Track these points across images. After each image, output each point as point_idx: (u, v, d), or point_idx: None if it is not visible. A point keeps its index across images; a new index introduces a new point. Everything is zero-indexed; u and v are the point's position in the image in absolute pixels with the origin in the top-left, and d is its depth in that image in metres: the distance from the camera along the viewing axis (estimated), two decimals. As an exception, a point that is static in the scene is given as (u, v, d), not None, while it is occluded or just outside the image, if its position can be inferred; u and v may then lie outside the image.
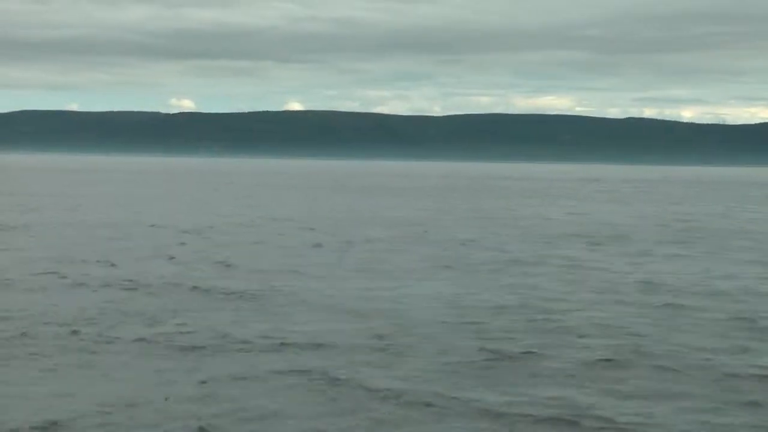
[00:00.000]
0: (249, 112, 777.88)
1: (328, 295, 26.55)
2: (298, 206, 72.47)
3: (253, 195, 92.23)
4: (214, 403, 15.46)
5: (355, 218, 59.00)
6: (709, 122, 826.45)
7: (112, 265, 32.18)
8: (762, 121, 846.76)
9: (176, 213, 61.17)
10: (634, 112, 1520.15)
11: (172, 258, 34.68)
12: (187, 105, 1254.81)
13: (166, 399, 15.64)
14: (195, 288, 27.24)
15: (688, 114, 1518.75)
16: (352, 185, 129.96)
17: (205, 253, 36.25)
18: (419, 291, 27.63)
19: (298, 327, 21.71)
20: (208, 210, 64.89)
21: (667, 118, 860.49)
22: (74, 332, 20.68)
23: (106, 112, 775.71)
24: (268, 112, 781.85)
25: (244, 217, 57.82)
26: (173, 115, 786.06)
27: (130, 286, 27.42)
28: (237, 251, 37.31)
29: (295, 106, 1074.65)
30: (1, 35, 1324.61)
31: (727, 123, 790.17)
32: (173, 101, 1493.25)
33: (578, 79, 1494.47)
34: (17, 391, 16.08)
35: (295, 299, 25.72)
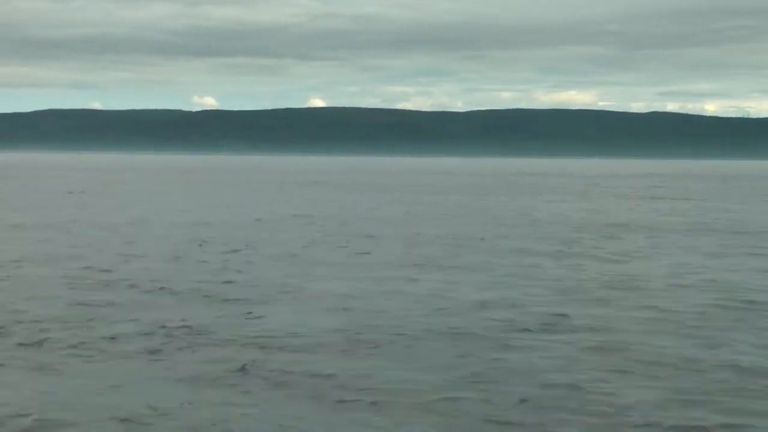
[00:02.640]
0: (272, 110, 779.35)
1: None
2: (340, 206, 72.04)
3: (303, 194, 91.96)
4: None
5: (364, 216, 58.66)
6: (733, 116, 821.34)
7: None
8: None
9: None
10: (657, 106, 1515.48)
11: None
12: (210, 103, 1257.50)
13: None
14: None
15: (711, 107, 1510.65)
16: (377, 183, 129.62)
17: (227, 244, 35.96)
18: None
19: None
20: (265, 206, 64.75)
21: (690, 112, 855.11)
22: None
23: (129, 111, 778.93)
24: (290, 109, 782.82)
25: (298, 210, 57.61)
26: (196, 113, 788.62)
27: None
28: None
29: (318, 102, 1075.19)
30: (22, 35, 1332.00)
31: (750, 116, 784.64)
32: (195, 99, 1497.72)
33: (600, 74, 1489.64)
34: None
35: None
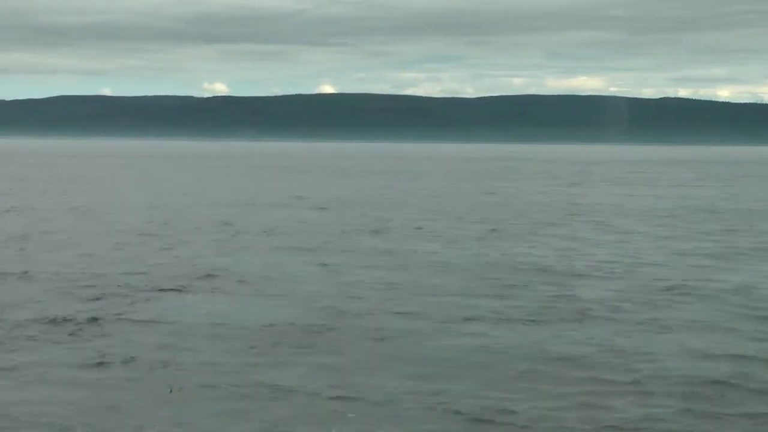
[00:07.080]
0: (281, 96, 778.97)
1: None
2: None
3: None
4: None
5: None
6: (746, 101, 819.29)
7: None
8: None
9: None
10: (669, 92, 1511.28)
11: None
12: (220, 89, 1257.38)
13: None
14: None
15: (724, 93, 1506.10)
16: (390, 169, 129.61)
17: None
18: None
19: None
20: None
21: (703, 98, 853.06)
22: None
23: (140, 97, 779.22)
24: (300, 95, 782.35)
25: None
26: (206, 99, 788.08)
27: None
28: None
29: (327, 89, 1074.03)
30: (34, 22, 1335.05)
31: (764, 102, 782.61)
32: (206, 85, 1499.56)
33: (611, 59, 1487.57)
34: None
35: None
